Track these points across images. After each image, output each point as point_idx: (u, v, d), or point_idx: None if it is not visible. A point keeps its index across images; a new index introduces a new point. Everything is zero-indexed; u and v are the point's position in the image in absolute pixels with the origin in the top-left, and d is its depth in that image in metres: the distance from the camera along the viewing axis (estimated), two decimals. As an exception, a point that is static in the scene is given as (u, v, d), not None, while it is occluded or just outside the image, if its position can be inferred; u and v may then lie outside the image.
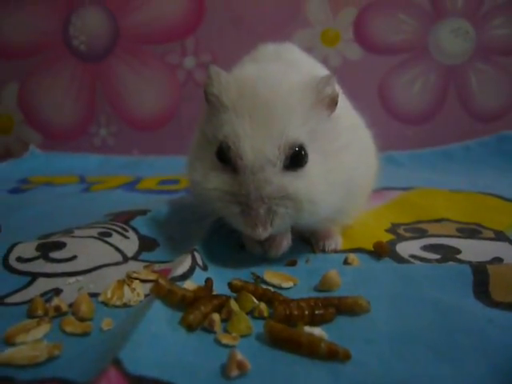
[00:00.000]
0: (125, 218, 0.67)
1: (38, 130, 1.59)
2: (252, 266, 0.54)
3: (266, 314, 0.42)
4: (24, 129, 1.59)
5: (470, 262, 0.55)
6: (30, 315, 0.42)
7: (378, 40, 1.51)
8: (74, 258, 0.54)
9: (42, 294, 0.46)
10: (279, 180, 0.48)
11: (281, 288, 0.49)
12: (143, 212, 0.71)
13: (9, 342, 0.37)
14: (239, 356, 0.34)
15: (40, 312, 0.42)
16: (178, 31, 1.53)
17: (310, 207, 0.50)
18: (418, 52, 1.51)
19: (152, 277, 0.50)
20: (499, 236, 0.67)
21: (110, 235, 0.61)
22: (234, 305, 0.42)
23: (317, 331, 0.39)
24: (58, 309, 0.42)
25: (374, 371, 0.35)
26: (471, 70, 1.52)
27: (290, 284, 0.49)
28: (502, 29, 1.50)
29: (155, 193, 1.00)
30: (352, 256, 0.57)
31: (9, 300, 0.45)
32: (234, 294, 0.45)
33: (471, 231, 0.69)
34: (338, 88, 0.55)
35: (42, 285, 0.48)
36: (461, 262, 0.57)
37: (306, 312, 0.41)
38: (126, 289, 0.46)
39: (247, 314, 0.42)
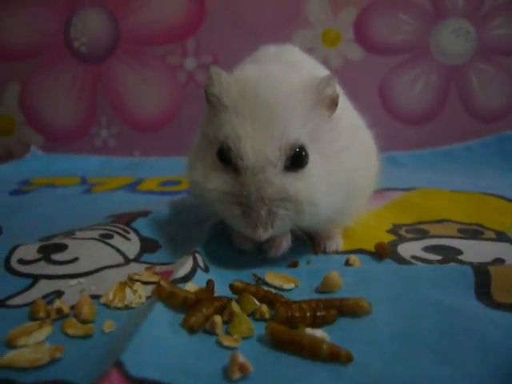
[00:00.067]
0: (126, 220, 0.68)
1: (39, 131, 1.59)
2: (253, 268, 0.54)
3: (267, 315, 0.42)
4: (25, 130, 1.59)
5: (471, 263, 0.55)
6: (32, 317, 0.42)
7: (378, 40, 1.51)
8: (75, 260, 0.54)
9: (44, 296, 0.46)
10: (280, 181, 0.48)
11: (282, 290, 0.49)
12: (144, 213, 0.71)
13: (11, 345, 0.37)
14: (241, 358, 0.34)
15: (42, 314, 0.42)
16: (178, 32, 1.53)
17: (311, 208, 0.49)
18: (419, 52, 1.51)
19: (154, 279, 0.50)
20: (501, 237, 0.67)
21: (111, 237, 0.61)
22: (235, 307, 0.42)
23: (318, 333, 0.39)
24: (59, 311, 0.42)
25: (375, 373, 0.35)
26: (472, 70, 1.52)
27: (292, 285, 0.49)
28: (503, 29, 1.49)
29: (156, 194, 1.00)
30: (353, 257, 0.57)
31: (11, 302, 0.45)
32: (236, 296, 0.45)
33: (473, 232, 0.69)
34: (338, 88, 0.55)
35: (44, 287, 0.48)
36: (462, 263, 0.56)
37: (308, 314, 0.41)
38: (128, 291, 0.46)
39: (249, 315, 0.42)
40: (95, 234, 0.61)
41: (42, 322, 0.40)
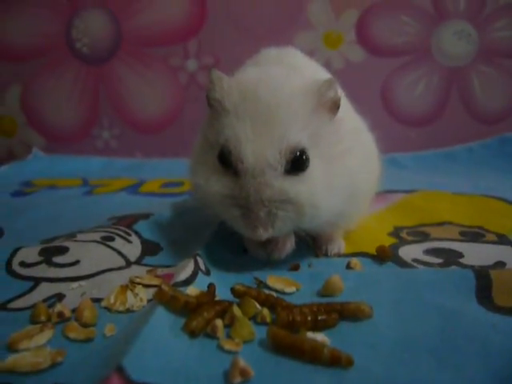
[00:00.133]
0: (128, 222, 0.68)
1: (40, 132, 1.59)
2: (255, 271, 0.54)
3: (268, 319, 0.42)
4: (27, 131, 1.59)
5: (472, 267, 0.55)
6: (33, 321, 0.42)
7: (380, 42, 1.51)
8: (76, 262, 0.54)
9: (45, 300, 0.46)
10: (280, 183, 0.48)
11: (284, 293, 0.49)
12: (146, 216, 0.71)
13: (12, 349, 0.37)
14: (242, 363, 0.34)
15: (43, 318, 0.42)
16: (180, 34, 1.53)
17: (312, 211, 0.49)
18: (421, 54, 1.51)
19: (155, 282, 0.50)
20: (502, 239, 0.67)
21: (112, 239, 0.61)
22: (236, 310, 0.42)
23: (319, 337, 0.39)
24: (60, 315, 0.42)
25: (376, 377, 0.35)
26: (474, 72, 1.52)
27: (293, 289, 0.49)
28: (505, 31, 1.49)
29: (158, 196, 1.00)
30: (355, 260, 0.57)
31: (12, 305, 0.45)
32: (237, 300, 0.45)
33: (474, 234, 0.69)
34: (340, 91, 0.55)
35: (45, 290, 0.48)
36: (463, 266, 0.56)
37: (309, 318, 0.41)
38: (129, 294, 0.46)
39: (250, 319, 0.42)
40: (97, 236, 0.61)
41: (43, 326, 0.40)
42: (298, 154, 0.49)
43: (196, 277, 0.49)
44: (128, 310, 0.44)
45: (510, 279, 0.49)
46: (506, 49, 1.50)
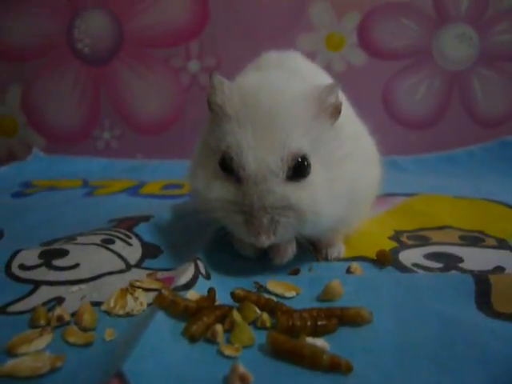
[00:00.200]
0: (128, 225, 0.68)
1: (41, 132, 1.59)
2: (255, 275, 0.54)
3: (268, 324, 0.43)
4: (27, 131, 1.59)
5: (472, 272, 0.55)
6: (33, 325, 0.42)
7: (381, 45, 1.51)
8: (76, 265, 0.54)
9: (45, 303, 0.46)
10: (282, 190, 0.48)
11: (284, 297, 0.49)
12: (146, 218, 0.71)
13: (11, 353, 0.37)
14: (241, 369, 0.34)
15: (42, 322, 0.42)
16: (182, 35, 1.53)
17: (313, 218, 0.50)
18: (422, 57, 1.51)
19: (155, 285, 0.50)
20: (502, 244, 0.67)
21: (113, 242, 0.61)
22: (236, 315, 0.42)
23: (319, 342, 0.39)
24: (60, 318, 0.42)
25: (375, 383, 0.35)
26: (475, 76, 1.52)
27: (293, 293, 0.49)
28: (506, 34, 1.49)
29: (158, 198, 1.00)
30: (355, 265, 0.57)
31: (11, 309, 0.45)
32: (237, 304, 0.45)
33: (474, 239, 0.69)
34: (341, 96, 0.55)
35: (45, 293, 0.48)
36: (463, 271, 0.56)
37: (309, 323, 0.41)
38: (129, 298, 0.46)
39: (250, 324, 0.42)
40: (97, 239, 0.61)
41: (43, 330, 0.40)
42: (299, 160, 0.49)
43: (196, 281, 0.49)
44: (128, 314, 0.44)
45: (509, 284, 0.49)
46: (507, 52, 1.50)
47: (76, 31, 1.54)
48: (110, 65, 1.55)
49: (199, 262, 0.53)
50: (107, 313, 0.45)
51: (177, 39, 1.53)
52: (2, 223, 0.75)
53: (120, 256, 0.58)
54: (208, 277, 0.52)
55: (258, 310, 0.44)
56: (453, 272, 0.56)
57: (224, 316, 0.42)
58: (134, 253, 0.59)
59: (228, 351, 0.38)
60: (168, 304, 0.41)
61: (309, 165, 0.50)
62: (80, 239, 0.61)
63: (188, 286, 0.47)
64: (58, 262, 0.54)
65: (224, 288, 0.49)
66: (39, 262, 0.54)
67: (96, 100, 1.57)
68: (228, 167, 0.50)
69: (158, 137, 1.56)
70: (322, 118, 0.52)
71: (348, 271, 0.56)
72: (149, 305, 0.46)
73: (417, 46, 1.51)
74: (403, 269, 0.58)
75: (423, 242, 0.68)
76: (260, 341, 0.40)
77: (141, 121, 1.57)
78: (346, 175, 0.53)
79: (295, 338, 0.39)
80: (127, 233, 0.65)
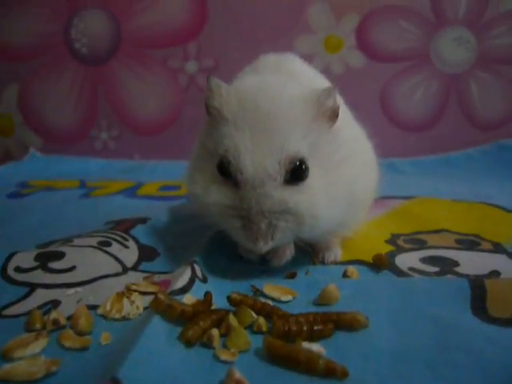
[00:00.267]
0: (125, 227, 0.68)
1: (38, 132, 1.59)
2: (251, 278, 0.54)
3: (264, 328, 0.42)
4: (24, 131, 1.59)
5: (467, 276, 0.55)
6: (28, 328, 0.42)
7: (380, 47, 1.52)
8: (73, 268, 0.54)
9: (41, 306, 0.46)
10: (280, 194, 0.48)
11: (280, 301, 0.49)
12: (143, 220, 0.71)
13: (6, 357, 0.37)
14: (237, 374, 0.34)
15: (38, 325, 0.42)
16: (180, 35, 1.53)
17: (311, 221, 0.50)
18: (420, 60, 1.52)
19: (151, 289, 0.49)
20: (497, 248, 0.67)
21: (109, 244, 0.61)
22: (232, 320, 0.42)
23: (315, 347, 0.39)
24: (56, 322, 0.42)
25: (371, 389, 0.35)
26: (472, 79, 1.52)
27: (289, 297, 0.49)
28: (503, 38, 1.50)
29: (156, 199, 1.00)
30: (351, 269, 0.57)
31: (6, 312, 0.45)
32: (233, 308, 0.45)
33: (470, 243, 0.69)
34: (338, 99, 0.55)
35: (41, 296, 0.48)
36: (459, 275, 0.57)
37: (305, 328, 0.41)
38: (126, 301, 0.46)
39: (246, 328, 0.42)
40: (93, 241, 0.61)
41: (38, 334, 0.39)
42: (297, 163, 0.49)
43: (193, 284, 0.49)
44: (124, 318, 0.44)
45: (503, 289, 0.49)
46: (504, 55, 1.51)
47: (74, 31, 1.54)
48: (108, 65, 1.55)
49: (196, 265, 0.53)
50: (103, 316, 0.44)
51: (175, 40, 1.53)
52: (-2, 224, 0.75)
53: (117, 258, 0.58)
54: (204, 280, 0.52)
55: (254, 315, 0.44)
56: (449, 276, 0.56)
57: (220, 320, 0.42)
58: (130, 255, 0.59)
59: (224, 356, 0.38)
60: (164, 308, 0.41)
61: (307, 168, 0.50)
62: (76, 241, 0.61)
63: (184, 289, 0.47)
64: (54, 265, 0.54)
65: (220, 291, 0.49)
66: (35, 264, 0.54)
67: (93, 100, 1.56)
68: (226, 171, 0.50)
69: (156, 137, 1.56)
70: (320, 121, 0.52)
71: (344, 275, 0.56)
72: (145, 308, 0.46)
73: (415, 48, 1.51)
74: (399, 273, 0.58)
75: (420, 245, 0.68)
76: (256, 345, 0.40)
77: (138, 121, 1.56)
78: (344, 179, 0.53)
79: (291, 343, 0.39)
80: (124, 235, 0.65)
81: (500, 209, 0.86)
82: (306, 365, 0.36)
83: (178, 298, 0.45)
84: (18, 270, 0.53)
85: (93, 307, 0.46)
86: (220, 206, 0.50)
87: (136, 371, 0.34)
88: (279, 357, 0.37)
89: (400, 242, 0.70)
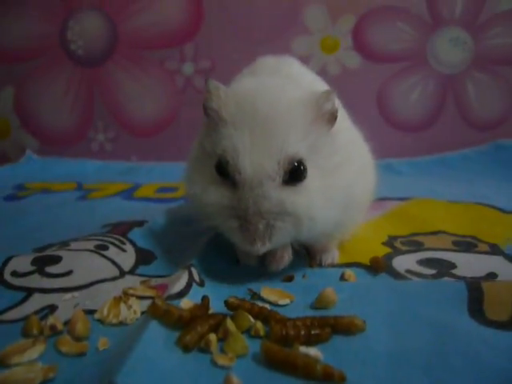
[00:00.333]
0: (122, 230, 0.67)
1: (34, 134, 1.58)
2: (249, 282, 0.54)
3: (262, 332, 0.42)
4: (20, 133, 1.58)
5: (464, 278, 0.56)
6: (25, 334, 0.41)
7: (376, 48, 1.52)
8: (70, 272, 0.53)
9: (38, 311, 0.46)
10: (278, 195, 0.48)
11: (277, 305, 0.49)
12: (140, 223, 0.71)
13: (3, 363, 0.36)
14: (235, 379, 0.34)
15: (35, 331, 0.41)
16: (177, 37, 1.52)
17: (309, 223, 0.50)
18: (417, 61, 1.52)
19: (149, 293, 0.49)
20: (494, 249, 0.67)
21: (106, 248, 0.61)
22: (230, 324, 0.42)
23: (312, 351, 0.39)
24: (53, 327, 0.42)
25: (369, 394, 0.35)
26: (469, 79, 1.53)
27: (287, 301, 0.49)
28: (500, 38, 1.50)
29: (153, 201, 1.00)
30: (348, 272, 0.57)
31: (3, 317, 0.45)
32: (231, 312, 0.45)
33: (467, 244, 0.69)
34: (337, 102, 0.55)
35: (38, 301, 0.48)
36: (456, 277, 0.57)
37: (302, 332, 0.41)
38: (123, 306, 0.45)
39: (243, 332, 0.42)
40: (90, 245, 0.61)
41: (35, 340, 0.39)
42: (295, 164, 0.49)
43: (190, 288, 0.49)
44: (121, 323, 0.44)
45: (500, 292, 0.49)
46: (500, 56, 1.51)
47: (70, 32, 1.53)
48: (104, 66, 1.54)
49: (193, 269, 0.53)
50: (100, 321, 0.44)
51: (171, 41, 1.53)
52: (-6, 228, 0.75)
53: (114, 262, 0.57)
54: (202, 284, 0.52)
55: (251, 319, 0.44)
56: (446, 279, 0.56)
57: (218, 325, 0.42)
58: (127, 259, 0.59)
59: (222, 361, 0.38)
60: (161, 314, 0.41)
61: (305, 169, 0.49)
62: (73, 245, 0.61)
63: (182, 293, 0.47)
64: (50, 269, 0.54)
65: (218, 295, 0.49)
66: (32, 268, 0.54)
67: (90, 102, 1.56)
68: (224, 171, 0.50)
69: (153, 139, 1.56)
70: (319, 124, 0.52)
71: (342, 278, 0.56)
72: (142, 313, 0.45)
73: (411, 49, 1.51)
74: (397, 275, 0.58)
75: (417, 247, 0.68)
76: (254, 349, 0.40)
77: (135, 123, 1.56)
78: (342, 181, 0.53)
79: (289, 347, 0.39)
80: (121, 238, 0.65)
81: (497, 210, 0.86)
82: (303, 369, 0.36)
83: (175, 302, 0.45)
84: (14, 274, 0.53)
85: (90, 312, 0.46)
86: (218, 206, 0.50)
87: (134, 377, 0.34)
88: (277, 361, 0.37)
89: (397, 243, 0.70)
